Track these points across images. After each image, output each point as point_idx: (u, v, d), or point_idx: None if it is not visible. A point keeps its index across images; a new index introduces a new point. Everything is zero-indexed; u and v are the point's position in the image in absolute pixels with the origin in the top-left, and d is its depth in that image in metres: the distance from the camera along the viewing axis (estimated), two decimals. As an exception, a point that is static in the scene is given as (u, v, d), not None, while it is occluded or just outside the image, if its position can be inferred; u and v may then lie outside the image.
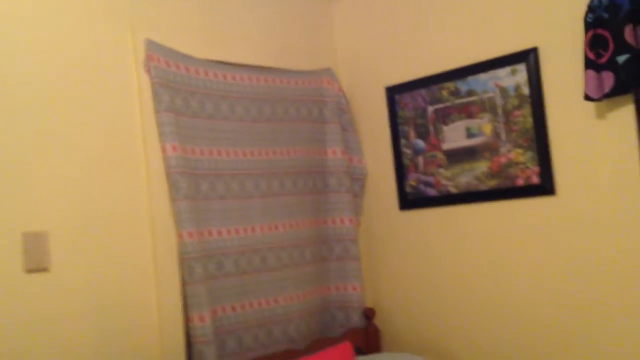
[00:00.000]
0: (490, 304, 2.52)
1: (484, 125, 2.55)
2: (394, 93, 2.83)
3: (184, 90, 2.34)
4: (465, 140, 2.60)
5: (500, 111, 2.50)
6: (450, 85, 2.64)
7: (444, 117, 2.67)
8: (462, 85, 2.61)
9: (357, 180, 2.93)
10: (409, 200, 2.78)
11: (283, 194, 2.64)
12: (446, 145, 2.66)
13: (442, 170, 2.67)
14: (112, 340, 2.01)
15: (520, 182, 2.44)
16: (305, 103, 2.78)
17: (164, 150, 2.22)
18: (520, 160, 2.44)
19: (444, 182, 2.66)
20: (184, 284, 2.22)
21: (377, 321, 2.84)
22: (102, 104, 2.10)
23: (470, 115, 2.59)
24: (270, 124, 2.63)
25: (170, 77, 2.28)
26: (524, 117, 2.42)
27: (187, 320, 2.22)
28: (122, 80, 2.16)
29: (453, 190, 2.64)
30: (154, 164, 2.20)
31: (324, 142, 2.85)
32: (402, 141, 2.80)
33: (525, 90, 2.42)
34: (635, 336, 2.16)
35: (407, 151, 2.79)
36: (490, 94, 2.53)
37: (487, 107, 2.54)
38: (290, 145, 2.69)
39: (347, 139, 2.91)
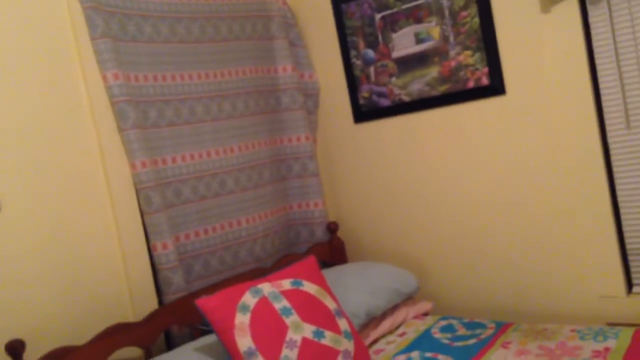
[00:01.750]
0: (446, 208, 2.59)
1: (432, 29, 2.52)
2: (340, 2, 2.75)
3: (119, 14, 2.22)
4: (415, 47, 2.58)
5: (447, 13, 2.46)
6: (396, -10, 2.58)
7: (392, 23, 2.62)
8: (408, -10, 2.55)
9: (310, 96, 2.89)
10: (363, 112, 2.77)
11: (235, 115, 2.59)
12: (396, 53, 2.63)
13: (393, 79, 2.65)
14: (74, 274, 2.00)
15: (471, 84, 2.45)
16: (249, 19, 2.69)
17: (105, 79, 2.13)
18: (469, 63, 2.44)
19: (396, 91, 2.65)
20: (143, 213, 2.20)
21: (340, 234, 2.90)
22: (33, 35, 1.98)
23: (418, 20, 2.55)
24: (214, 44, 2.54)
25: (102, 0, 2.16)
26: (471, 18, 2.40)
27: (150, 249, 2.22)
28: (51, 8, 2.04)
29: (406, 98, 2.63)
30: (96, 95, 2.12)
31: (273, 59, 2.78)
32: (352, 52, 2.75)
33: (471, -10, 2.38)
34: (576, 233, 2.26)
35: (357, 62, 2.75)
36: (436, -3, 2.49)
37: (434, 9, 2.50)
38: (238, 65, 2.62)
39: (296, 55, 2.85)
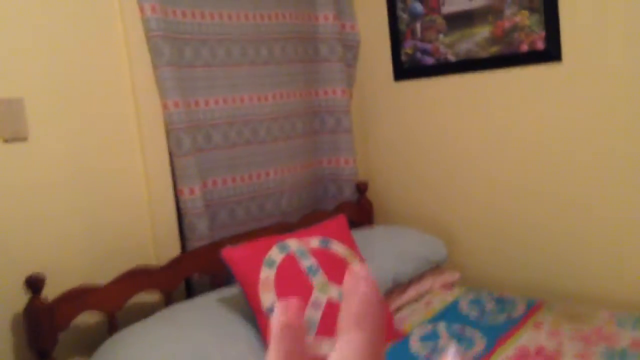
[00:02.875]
0: (483, 177, 2.49)
1: (489, -14, 2.36)
2: (391, -50, 2.59)
3: (161, -57, 2.09)
4: (467, 3, 2.42)
5: (508, -31, 2.30)
6: (454, -60, 2.41)
7: (446, -23, 2.46)
8: (467, -59, 2.38)
9: (350, 49, 2.76)
10: (405, 69, 2.64)
11: (272, 62, 2.47)
12: (446, 9, 2.48)
13: (441, 37, 2.51)
14: (99, 213, 1.94)
15: (524, 47, 2.30)
16: (294, -39, 2.54)
17: (142, 10, 2.02)
18: (525, 24, 2.29)
19: (442, 49, 2.51)
20: (172, 156, 2.12)
21: (369, 195, 2.81)
22: (69, -45, 1.86)
23: (474, -25, 2.39)
24: (257, -16, 2.40)
25: None
26: (534, -24, 2.24)
27: (177, 192, 2.15)
28: None
29: (452, 58, 2.49)
30: (132, 27, 2.01)
31: (315, 5, 2.64)
32: (399, 4, 2.60)
33: (537, -55, 2.21)
34: (619, 212, 2.15)
35: (403, 16, 2.60)
36: (497, -49, 2.32)
37: (493, -35, 2.33)
38: (278, 9, 2.49)
39: (338, 3, 2.71)
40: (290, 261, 1.96)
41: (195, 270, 2.09)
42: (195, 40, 2.21)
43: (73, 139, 1.87)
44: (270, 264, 1.93)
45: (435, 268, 2.40)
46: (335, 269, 2.00)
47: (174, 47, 2.11)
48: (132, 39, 2.01)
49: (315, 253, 2.01)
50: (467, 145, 2.51)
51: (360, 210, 2.69)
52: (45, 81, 1.81)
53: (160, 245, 2.09)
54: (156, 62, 2.05)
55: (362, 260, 2.11)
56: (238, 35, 2.34)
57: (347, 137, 2.71)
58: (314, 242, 2.06)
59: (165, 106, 2.08)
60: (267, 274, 1.90)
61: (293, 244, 2.02)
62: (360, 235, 2.36)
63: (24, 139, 1.76)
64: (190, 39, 2.19)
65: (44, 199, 1.80)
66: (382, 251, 2.25)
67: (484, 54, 2.40)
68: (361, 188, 2.69)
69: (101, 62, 1.95)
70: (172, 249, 2.12)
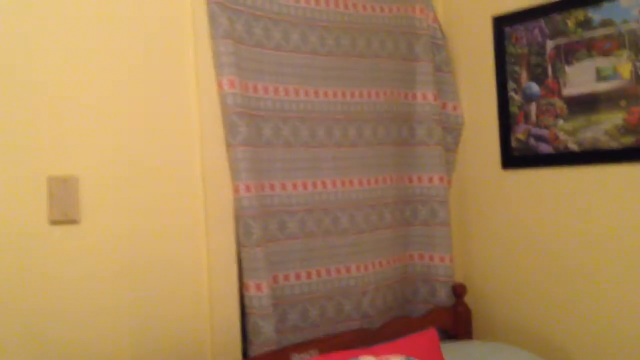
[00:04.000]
0: (613, 291, 2.02)
1: (621, 65, 2.00)
2: (503, 24, 2.29)
3: (247, 13, 1.94)
4: (594, 84, 2.06)
5: (647, 46, 1.93)
6: (579, 13, 2.08)
7: (568, 54, 2.12)
8: (594, 14, 2.05)
9: (451, 131, 2.45)
10: (515, 157, 2.28)
11: (361, 144, 2.21)
12: (568, 91, 2.13)
13: (560, 122, 2.15)
14: (152, 308, 1.70)
15: (668, 139, 1.89)
16: (391, 35, 2.31)
17: (220, 85, 1.84)
18: (670, 111, 1.88)
19: (562, 136, 2.14)
20: (240, 246, 1.87)
21: (468, 300, 2.40)
22: (147, 29, 1.73)
23: (603, 53, 2.04)
24: (349, 59, 2.19)
25: (229, -4, 1.88)
26: (682, 54, 1.85)
27: (242, 288, 1.88)
28: (172, -1, 1.79)
29: (574, 147, 2.11)
30: (207, 102, 1.83)
31: (413, 83, 2.38)
32: (511, 84, 2.28)
33: (686, 18, 1.84)
34: None
35: (516, 97, 2.27)
36: (632, 25, 1.97)
37: (627, 42, 1.98)
38: (371, 86, 2.24)
39: (440, 81, 2.43)
40: (366, 385, 1.60)
41: (256, 381, 1.79)
42: (276, 118, 2.00)
43: (129, 224, 1.67)
44: (342, 387, 1.59)
45: (548, 403, 1.93)
46: (421, 400, 1.62)
47: (251, 125, 1.91)
48: (207, 115, 1.83)
49: (397, 377, 1.65)
50: (592, 249, 2.07)
51: (456, 319, 2.28)
52: (104, 159, 1.64)
53: (218, 349, 1.81)
54: (230, 140, 1.85)
55: (455, 389, 1.72)
56: (324, 113, 2.11)
57: (443, 231, 2.35)
58: (397, 362, 1.70)
59: (236, 190, 1.85)
60: (336, 401, 1.56)
61: (371, 362, 1.67)
62: (451, 353, 1.97)
63: (75, 221, 1.58)
64: (270, 116, 1.98)
65: (91, 289, 1.59)
66: (481, 378, 1.83)
67: (614, 144, 2.01)
68: (458, 291, 2.30)
69: (169, 139, 1.77)
70: (232, 355, 1.84)
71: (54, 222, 1.55)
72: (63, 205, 1.56)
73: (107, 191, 1.64)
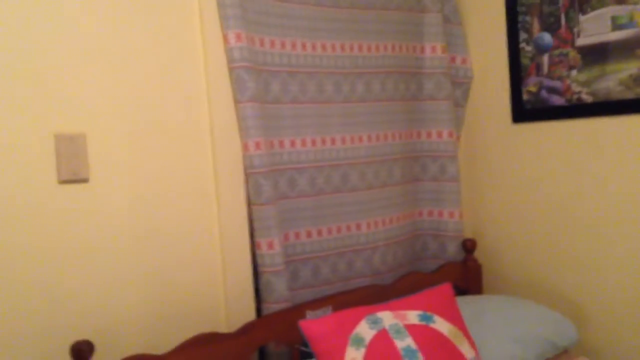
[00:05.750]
0: (622, 242, 2.01)
1: (637, 13, 1.94)
2: (514, -28, 2.23)
3: (251, -36, 1.86)
4: (610, 34, 2.00)
5: (666, -9, 1.87)
6: (594, -42, 2.02)
7: (582, 2, 2.06)
8: (610, -41, 1.98)
9: (460, 85, 2.40)
10: (527, 110, 2.24)
11: (369, 99, 2.17)
12: (582, 40, 2.07)
13: (574, 73, 2.10)
14: (162, 268, 1.68)
15: (686, 87, 1.85)
16: (400, -15, 2.24)
17: (226, 39, 1.78)
18: (688, 59, 1.84)
19: (575, 87, 2.10)
20: (250, 204, 1.84)
21: (477, 255, 2.40)
22: (148, -23, 1.66)
23: (618, 0, 1.98)
24: (355, 11, 2.12)
25: (233, -54, 1.80)
26: (702, -1, 1.80)
27: (253, 246, 1.86)
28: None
29: (587, 98, 2.07)
30: (214, 57, 1.77)
31: (421, 35, 2.32)
32: (522, 35, 2.22)
33: None
34: None
35: (527, 48, 2.21)
36: (649, -30, 1.90)
37: (644, -13, 1.92)
38: (379, 39, 2.18)
39: (449, 33, 2.37)
40: (382, 340, 1.60)
41: (271, 339, 1.78)
42: (284, 73, 1.94)
43: (140, 182, 1.64)
44: (358, 342, 1.58)
45: (563, 353, 1.94)
46: (438, 353, 1.62)
47: (259, 81, 1.86)
48: (213, 70, 1.77)
49: (414, 331, 1.65)
50: (604, 202, 2.05)
51: (466, 274, 2.28)
52: (112, 116, 1.59)
53: (232, 308, 1.80)
54: (238, 97, 1.80)
55: (471, 342, 1.71)
56: (332, 67, 2.06)
57: (452, 186, 2.33)
58: (413, 316, 1.70)
59: (245, 147, 1.81)
60: (353, 355, 1.55)
61: (386, 318, 1.67)
62: (467, 307, 1.97)
63: (84, 180, 1.54)
64: (278, 71, 1.93)
65: (102, 251, 1.56)
66: (496, 330, 1.83)
67: (629, 94, 1.97)
68: (468, 246, 2.29)
69: (176, 95, 1.72)
70: (245, 313, 1.83)
71: (63, 182, 1.51)
72: (72, 164, 1.52)
73: (115, 150, 1.60)
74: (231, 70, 1.79)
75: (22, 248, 1.44)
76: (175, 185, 1.71)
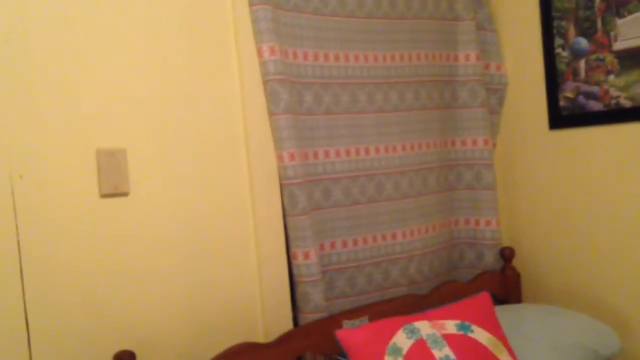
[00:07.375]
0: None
1: (677, 14, 1.90)
2: (548, -23, 2.20)
3: (284, -22, 1.89)
4: (648, 36, 1.97)
5: None
6: (631, -39, 1.98)
7: (619, 6, 2.03)
8: (647, -39, 1.95)
9: (495, 92, 2.38)
10: (563, 116, 2.21)
11: (403, 108, 2.17)
12: (620, 45, 2.03)
13: (612, 78, 2.06)
14: (201, 279, 1.71)
15: None
16: (432, -6, 2.25)
17: (260, 53, 1.81)
18: None
19: (614, 92, 2.06)
20: (286, 215, 1.86)
21: (516, 263, 2.36)
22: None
23: (656, 2, 1.94)
24: (389, 21, 2.13)
25: (266, -39, 1.84)
26: None
27: (289, 257, 1.88)
28: (208, -34, 1.76)
29: (626, 103, 2.03)
30: (248, 71, 1.81)
31: (455, 43, 2.31)
32: (558, 41, 2.20)
33: None
34: None
35: (563, 53, 2.19)
36: (689, -29, 1.86)
37: (684, -12, 1.88)
38: (412, 49, 2.19)
39: (483, 40, 2.35)
40: (420, 350, 1.59)
41: (308, 348, 1.79)
42: (317, 84, 1.96)
43: (177, 195, 1.67)
44: (396, 352, 1.58)
45: (605, 365, 1.90)
46: (476, 364, 1.60)
47: (292, 93, 1.88)
48: (248, 83, 1.80)
49: (452, 340, 1.63)
50: (645, 210, 2.01)
51: (504, 283, 2.25)
52: (150, 131, 1.64)
53: (269, 318, 1.82)
54: (272, 109, 1.82)
55: (511, 352, 1.69)
56: (365, 78, 2.07)
57: (489, 195, 2.31)
58: (451, 326, 1.69)
59: (280, 158, 1.83)
60: (391, 366, 1.55)
61: (424, 327, 1.66)
62: (505, 317, 1.94)
63: (124, 194, 1.59)
64: (311, 83, 1.95)
65: (142, 262, 1.60)
66: (536, 340, 1.80)
67: (670, 97, 1.92)
68: (506, 255, 2.26)
69: (212, 109, 1.75)
70: (282, 323, 1.84)
71: (105, 195, 1.56)
72: (113, 179, 1.56)
73: (153, 163, 1.64)
74: (265, 83, 1.82)
75: (68, 261, 1.49)
76: (212, 197, 1.74)
